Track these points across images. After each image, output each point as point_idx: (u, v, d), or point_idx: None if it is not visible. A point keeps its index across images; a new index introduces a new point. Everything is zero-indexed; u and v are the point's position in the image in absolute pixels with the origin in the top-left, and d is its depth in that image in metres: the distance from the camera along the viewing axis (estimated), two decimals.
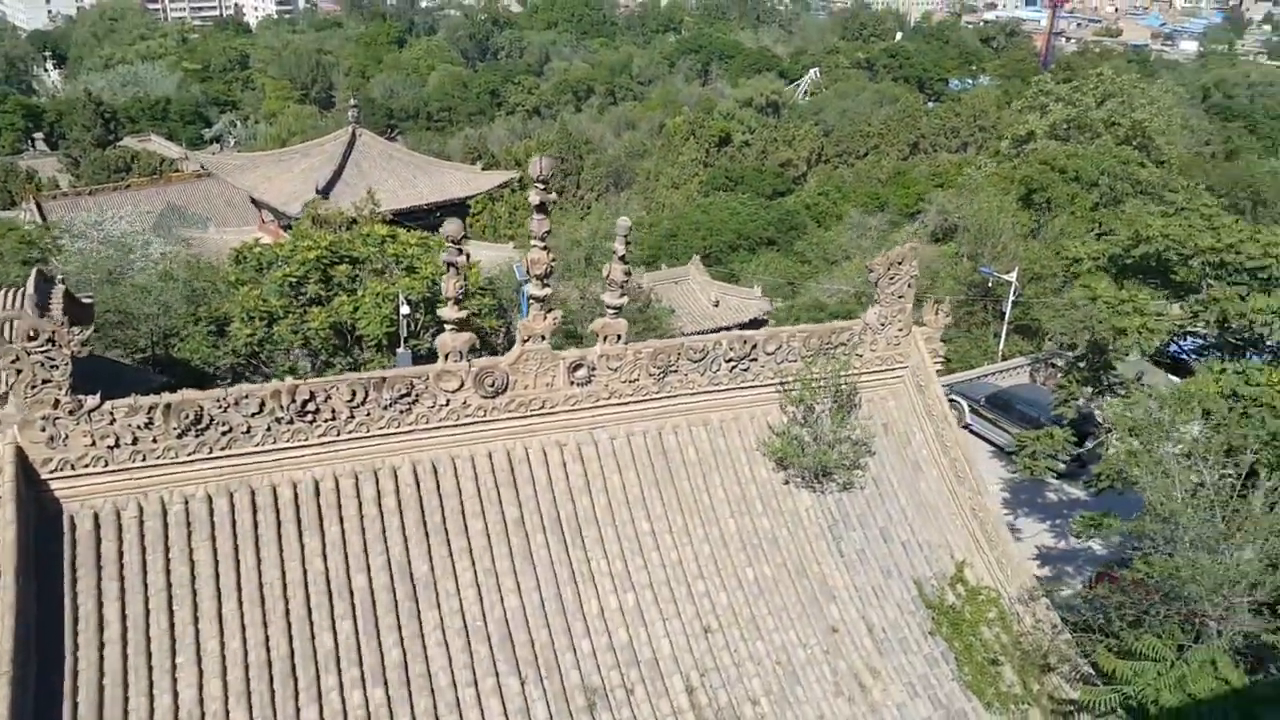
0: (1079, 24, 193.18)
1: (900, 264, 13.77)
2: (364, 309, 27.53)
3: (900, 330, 14.17)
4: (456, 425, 12.34)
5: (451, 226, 11.76)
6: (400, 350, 27.31)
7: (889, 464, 14.07)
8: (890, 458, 14.12)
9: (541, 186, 11.54)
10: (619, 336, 12.74)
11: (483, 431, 12.51)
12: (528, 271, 12.19)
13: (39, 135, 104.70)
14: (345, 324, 27.66)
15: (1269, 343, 14.09)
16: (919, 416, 14.30)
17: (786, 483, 13.46)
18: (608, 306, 12.63)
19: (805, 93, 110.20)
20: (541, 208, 11.68)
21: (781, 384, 13.60)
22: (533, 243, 11.84)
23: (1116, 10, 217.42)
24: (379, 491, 12.00)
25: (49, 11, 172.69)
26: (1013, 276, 34.37)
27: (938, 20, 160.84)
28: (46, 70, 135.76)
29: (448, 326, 12.25)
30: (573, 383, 12.66)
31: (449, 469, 12.35)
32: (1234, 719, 9.09)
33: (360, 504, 11.85)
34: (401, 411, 12.03)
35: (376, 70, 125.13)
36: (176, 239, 45.91)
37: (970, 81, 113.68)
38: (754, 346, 13.43)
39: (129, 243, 35.06)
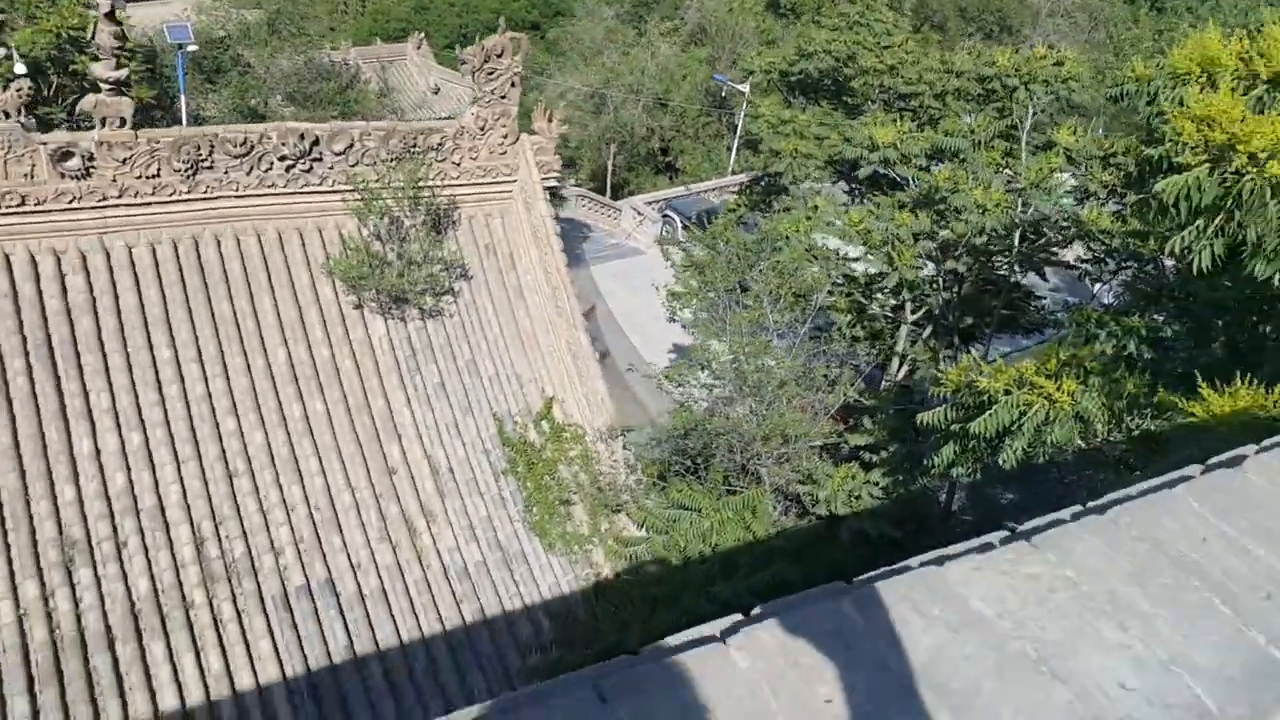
0: None
1: (500, 55, 11.78)
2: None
3: (505, 137, 12.36)
4: None
5: None
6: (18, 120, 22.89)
7: (488, 289, 12.61)
8: (490, 282, 12.65)
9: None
10: (122, 120, 10.17)
11: None
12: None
13: None
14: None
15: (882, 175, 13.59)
16: (525, 237, 12.79)
17: (359, 307, 11.73)
18: (100, 80, 9.96)
19: None
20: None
21: (356, 191, 11.58)
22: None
23: None
24: None
25: None
26: (745, 87, 33.11)
27: None
28: None
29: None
30: (62, 175, 10.09)
31: None
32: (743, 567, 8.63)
33: None
34: None
35: None
36: None
37: None
38: (315, 143, 11.24)
39: None
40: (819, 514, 10.17)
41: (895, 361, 16.94)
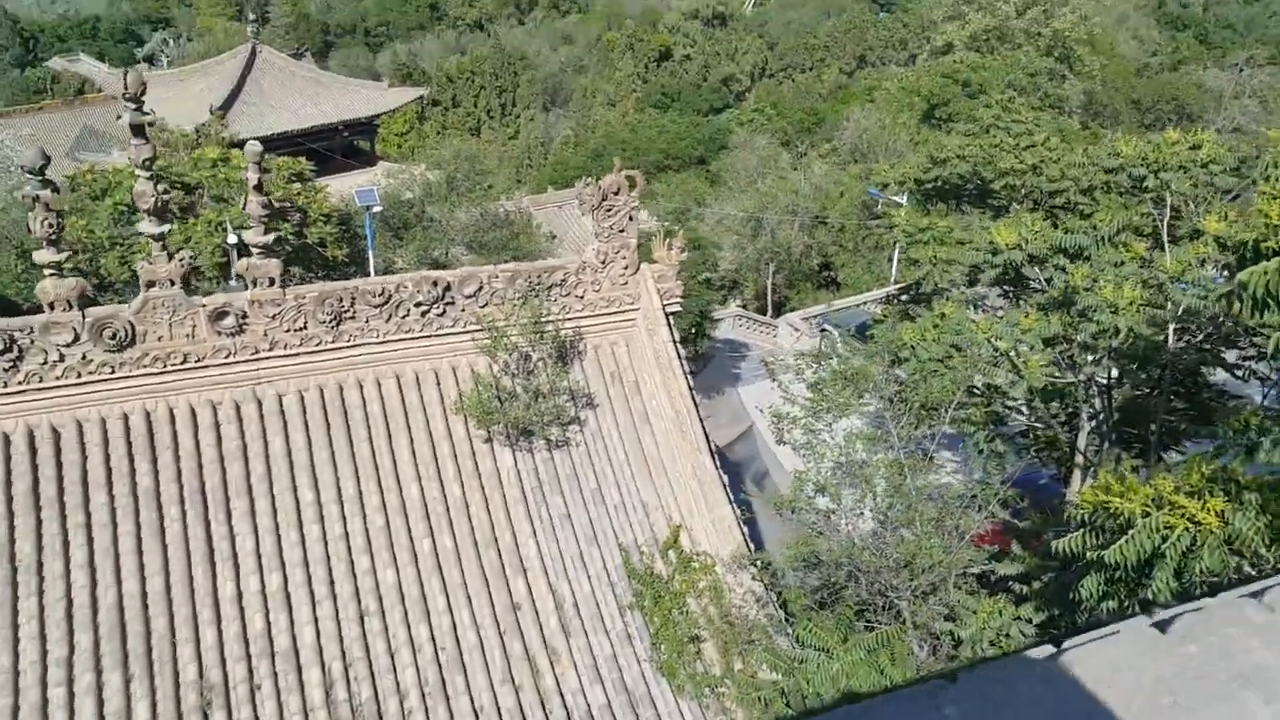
0: None
1: (616, 193, 12.11)
2: (195, 239, 25.71)
3: (626, 268, 12.58)
4: (79, 384, 10.75)
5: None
6: (231, 282, 25.73)
7: (613, 416, 12.63)
8: (616, 409, 12.67)
9: (133, 106, 9.75)
10: (272, 280, 11.08)
11: (112, 390, 10.92)
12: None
13: None
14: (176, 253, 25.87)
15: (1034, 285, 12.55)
16: (649, 363, 12.80)
17: (488, 441, 12.00)
18: (252, 246, 10.94)
19: (754, 3, 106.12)
20: (138, 130, 9.90)
21: (488, 329, 12.03)
22: (137, 172, 10.10)
23: None
24: None
25: None
26: (903, 199, 32.64)
27: None
28: None
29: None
30: (219, 333, 11.05)
31: (73, 433, 10.79)
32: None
33: None
34: (6, 369, 10.43)
35: None
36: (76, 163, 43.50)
37: None
38: (447, 289, 11.83)
39: None
40: (965, 655, 9.19)
41: (1076, 475, 15.54)
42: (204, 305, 10.92)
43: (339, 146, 51.18)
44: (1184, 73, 55.61)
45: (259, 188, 10.40)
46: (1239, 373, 12.94)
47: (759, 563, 11.11)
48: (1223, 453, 7.55)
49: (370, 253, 29.09)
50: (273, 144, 45.43)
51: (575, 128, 78.50)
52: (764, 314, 37.31)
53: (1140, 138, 12.64)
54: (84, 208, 26.57)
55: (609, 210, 12.15)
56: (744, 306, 39.27)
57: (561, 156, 70.54)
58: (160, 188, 10.16)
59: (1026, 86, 37.78)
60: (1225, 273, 10.10)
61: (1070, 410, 15.12)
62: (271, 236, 10.81)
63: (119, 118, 9.68)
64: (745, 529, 11.88)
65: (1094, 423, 13.10)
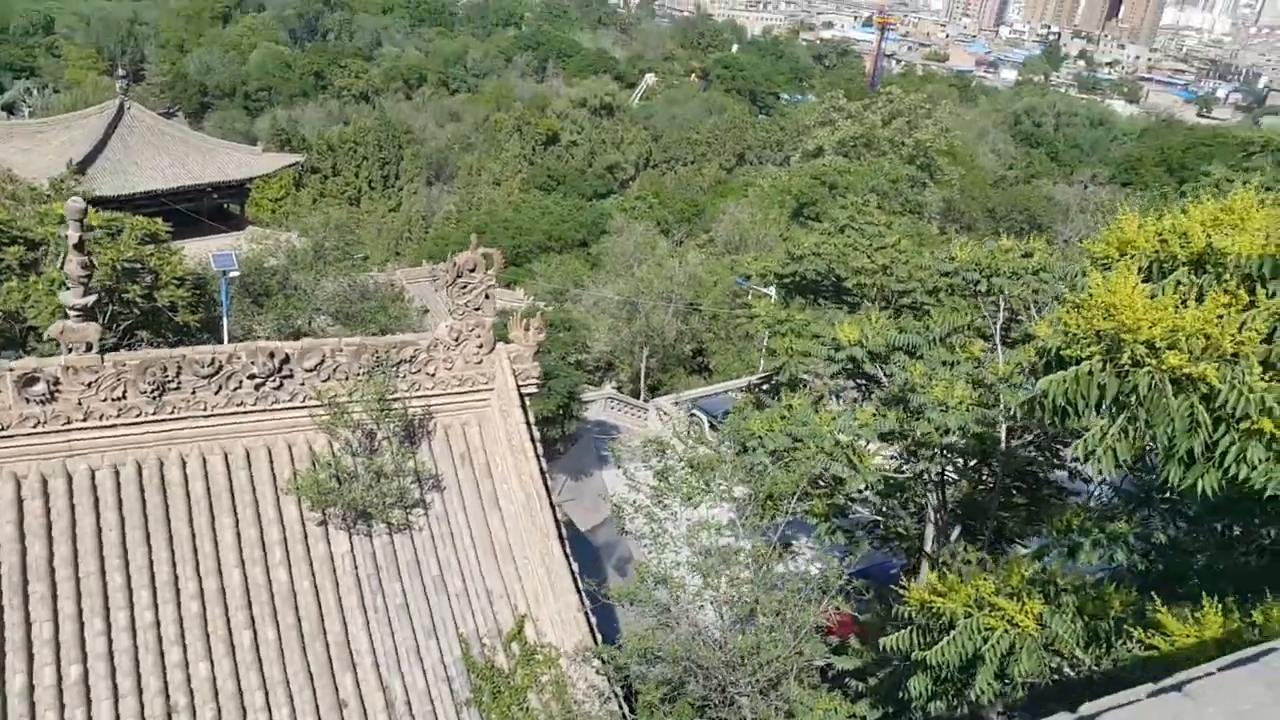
0: (910, 47, 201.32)
1: (472, 271, 11.92)
2: (35, 297, 24.05)
3: (480, 347, 12.33)
4: None
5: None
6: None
7: (461, 499, 12.19)
8: (464, 492, 12.25)
9: None
10: (89, 345, 10.34)
11: None
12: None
13: None
14: (15, 313, 24.15)
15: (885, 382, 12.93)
16: (502, 445, 12.48)
17: (323, 524, 11.36)
18: (69, 308, 10.21)
19: (640, 97, 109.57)
20: None
21: (328, 405, 11.49)
22: None
23: (947, 37, 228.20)
24: None
25: None
26: (771, 290, 33.62)
27: (775, 36, 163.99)
28: None
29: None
30: (29, 400, 10.18)
31: None
32: None
33: None
34: None
35: (196, 45, 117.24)
36: None
37: (800, 97, 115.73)
38: (285, 360, 11.29)
39: None
40: None
41: (925, 566, 15.85)
42: (11, 370, 10.06)
43: (206, 209, 49.45)
44: (1036, 186, 59.97)
45: (79, 246, 9.77)
46: (1069, 472, 13.64)
47: (604, 656, 10.76)
48: (1045, 553, 7.75)
49: (225, 319, 27.86)
50: (136, 203, 43.55)
51: (459, 204, 78.44)
52: (637, 397, 37.42)
53: (979, 244, 13.41)
54: None
55: (464, 287, 11.94)
56: (618, 389, 39.35)
57: (443, 231, 70.16)
58: None
59: (889, 191, 39.91)
60: (1032, 378, 10.60)
61: (920, 503, 15.49)
62: (90, 299, 10.12)
63: None
64: (593, 619, 11.54)
65: (936, 515, 13.45)
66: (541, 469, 12.19)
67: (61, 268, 10.22)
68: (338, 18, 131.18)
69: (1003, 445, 11.48)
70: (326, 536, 11.32)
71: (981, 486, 13.58)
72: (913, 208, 40.03)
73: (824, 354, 13.10)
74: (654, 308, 36.32)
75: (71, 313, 10.19)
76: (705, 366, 38.93)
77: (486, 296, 12.08)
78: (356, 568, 11.27)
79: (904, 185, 41.49)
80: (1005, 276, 12.05)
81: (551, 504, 12.01)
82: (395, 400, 11.61)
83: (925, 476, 12.69)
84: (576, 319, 36.70)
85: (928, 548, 15.62)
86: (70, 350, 10.26)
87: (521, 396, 12.46)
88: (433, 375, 12.18)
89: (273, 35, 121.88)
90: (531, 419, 12.55)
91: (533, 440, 12.27)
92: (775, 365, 16.11)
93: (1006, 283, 12.03)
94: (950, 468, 12.47)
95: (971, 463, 12.66)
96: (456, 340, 12.15)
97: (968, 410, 10.24)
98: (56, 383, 10.27)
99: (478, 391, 12.57)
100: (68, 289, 10.07)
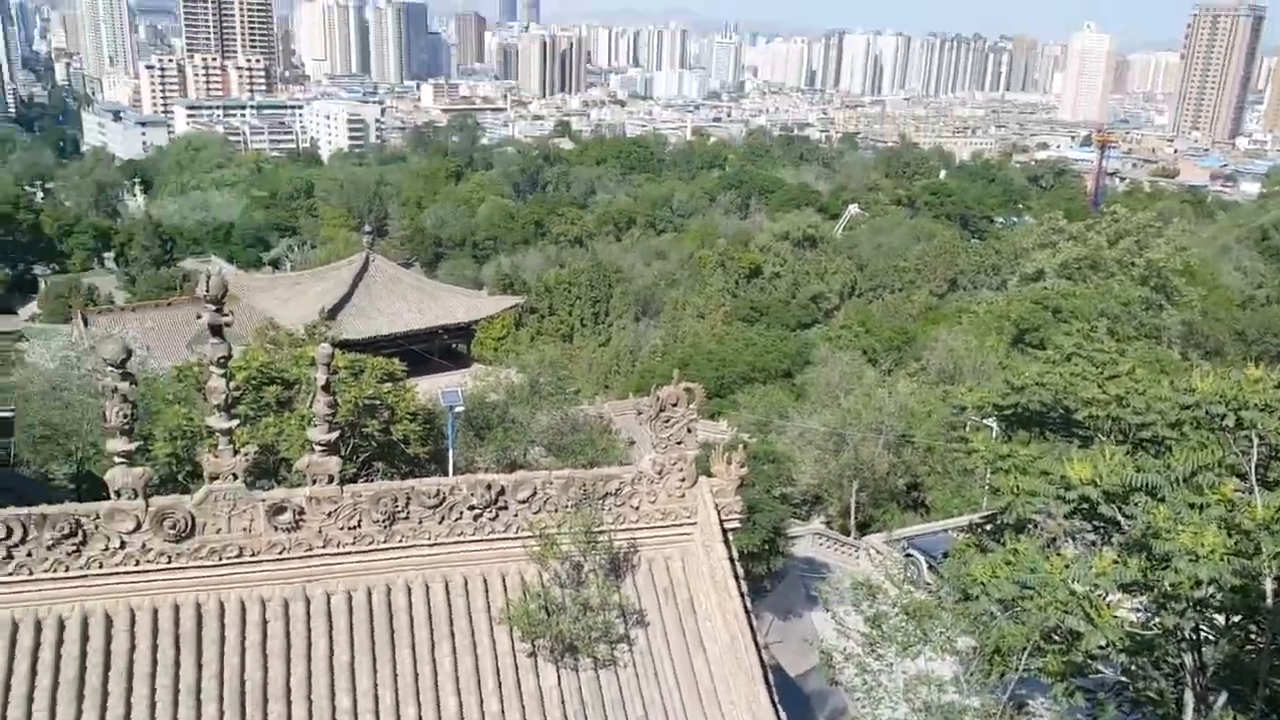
0: (1134, 164, 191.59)
1: (674, 405, 12.14)
2: (288, 431, 26.71)
3: (683, 480, 12.40)
4: (137, 571, 10.91)
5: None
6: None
7: (664, 637, 12.06)
8: (668, 629, 12.12)
9: (213, 308, 10.37)
10: (331, 477, 11.27)
11: (168, 580, 11.03)
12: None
13: (109, 255, 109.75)
14: (271, 446, 26.86)
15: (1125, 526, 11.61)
16: (705, 581, 12.34)
17: (533, 655, 11.55)
18: (314, 444, 11.22)
19: (844, 228, 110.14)
20: (216, 330, 10.48)
21: (539, 536, 11.86)
22: (211, 369, 10.62)
23: (1175, 152, 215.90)
24: (37, 644, 10.54)
25: (143, 142, 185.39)
26: (992, 422, 31.95)
27: (985, 160, 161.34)
28: (134, 195, 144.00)
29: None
30: (276, 528, 11.17)
31: (125, 621, 10.83)
32: None
33: (12, 659, 10.39)
34: (69, 553, 10.68)
35: (432, 201, 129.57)
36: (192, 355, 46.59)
37: (1015, 220, 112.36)
38: (501, 492, 11.82)
39: (75, 358, 35.12)
40: None
41: None
42: (263, 500, 11.11)
43: (436, 349, 53.53)
44: None
45: (326, 387, 10.78)
46: None
47: None
48: None
49: (451, 451, 29.65)
50: (377, 345, 47.84)
51: (664, 338, 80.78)
52: (847, 533, 36.14)
53: (1226, 372, 12.13)
54: (188, 397, 28.00)
55: (667, 421, 12.15)
56: (827, 524, 38.19)
57: (649, 365, 72.22)
58: (231, 384, 10.61)
59: (1120, 315, 37.46)
60: None
61: (1174, 663, 13.81)
62: (334, 434, 11.08)
63: (198, 317, 10.28)
64: None
65: (1193, 679, 11.88)
66: (746, 607, 11.92)
67: (310, 406, 11.29)
68: (556, 171, 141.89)
69: (1269, 601, 10.05)
70: (535, 668, 11.48)
71: (1249, 647, 11.92)
72: (1148, 332, 37.30)
73: (1053, 493, 12.18)
74: (863, 439, 35.37)
75: (317, 448, 11.19)
76: (921, 502, 37.19)
77: (689, 430, 12.23)
78: (564, 703, 11.31)
79: (1137, 308, 38.85)
80: (1257, 410, 10.80)
81: (757, 645, 11.66)
82: (601, 533, 11.81)
83: (1177, 634, 11.31)
84: (781, 451, 36.32)
85: (1187, 717, 13.79)
86: (314, 481, 11.22)
87: (724, 531, 12.36)
88: (636, 508, 12.35)
89: (499, 190, 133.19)
90: (735, 554, 12.39)
91: (736, 577, 12.07)
92: (999, 504, 15.14)
93: (1260, 417, 10.78)
94: (1206, 624, 11.06)
95: (1233, 619, 11.16)
96: (660, 474, 12.30)
97: (1222, 560, 9.09)
98: (301, 512, 11.22)
99: (680, 525, 12.58)
100: (315, 426, 11.08)
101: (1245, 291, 71.07)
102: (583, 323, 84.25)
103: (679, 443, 12.24)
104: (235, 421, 10.87)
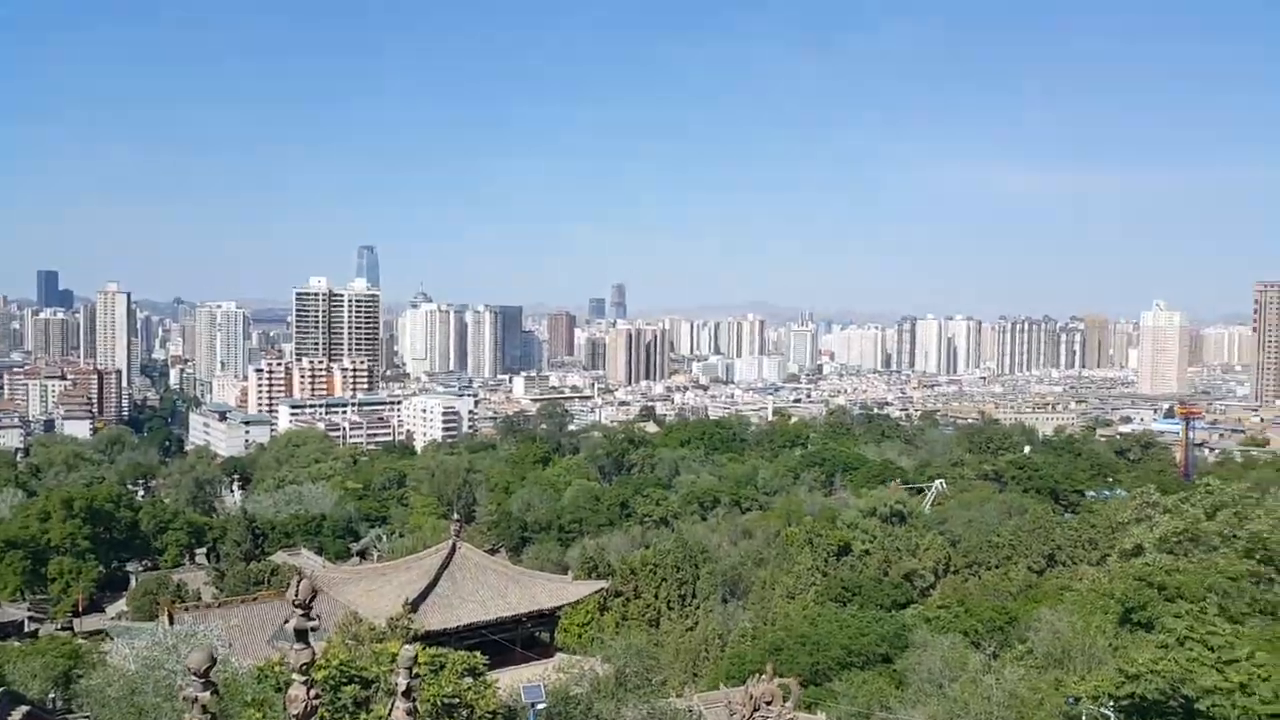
0: (1221, 434, 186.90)
1: (769, 703, 11.85)
2: None
3: None
4: None
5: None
6: None
7: None
8: None
9: (300, 612, 10.77)
10: None
11: None
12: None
13: (202, 550, 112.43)
14: None
15: None
16: None
17: None
18: None
19: (931, 503, 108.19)
20: (301, 635, 10.79)
21: None
22: (294, 675, 10.83)
23: (1261, 420, 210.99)
24: None
25: (246, 439, 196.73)
26: (1109, 710, 29.50)
27: (1069, 434, 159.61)
28: (231, 491, 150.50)
29: None
30: None
31: None
32: None
33: None
34: None
35: (519, 486, 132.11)
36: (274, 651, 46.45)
37: (1108, 493, 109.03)
38: None
39: (157, 658, 35.40)
40: None
41: None
42: None
43: (520, 637, 52.69)
44: None
45: (406, 693, 10.82)
46: None
47: None
48: None
49: None
50: (459, 635, 47.41)
51: (753, 619, 77.95)
52: None
53: None
54: (265, 699, 27.64)
55: None
56: None
57: (739, 650, 69.15)
58: (312, 693, 10.74)
59: (1230, 591, 35.26)
60: None
61: None
62: None
63: (286, 621, 10.65)
64: None
65: None
66: None
67: (389, 714, 11.32)
68: (641, 453, 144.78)
69: None
70: None
71: None
72: (1263, 608, 34.82)
73: None
74: None
75: None
76: None
77: None
78: None
79: (1246, 583, 36.56)
80: None
81: None
82: None
83: None
84: None
85: None
86: None
87: None
88: None
89: (584, 473, 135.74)
90: None
91: None
92: None
93: None
94: None
95: None
96: None
97: None
98: None
99: None
100: None
101: None
102: (669, 605, 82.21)
103: None
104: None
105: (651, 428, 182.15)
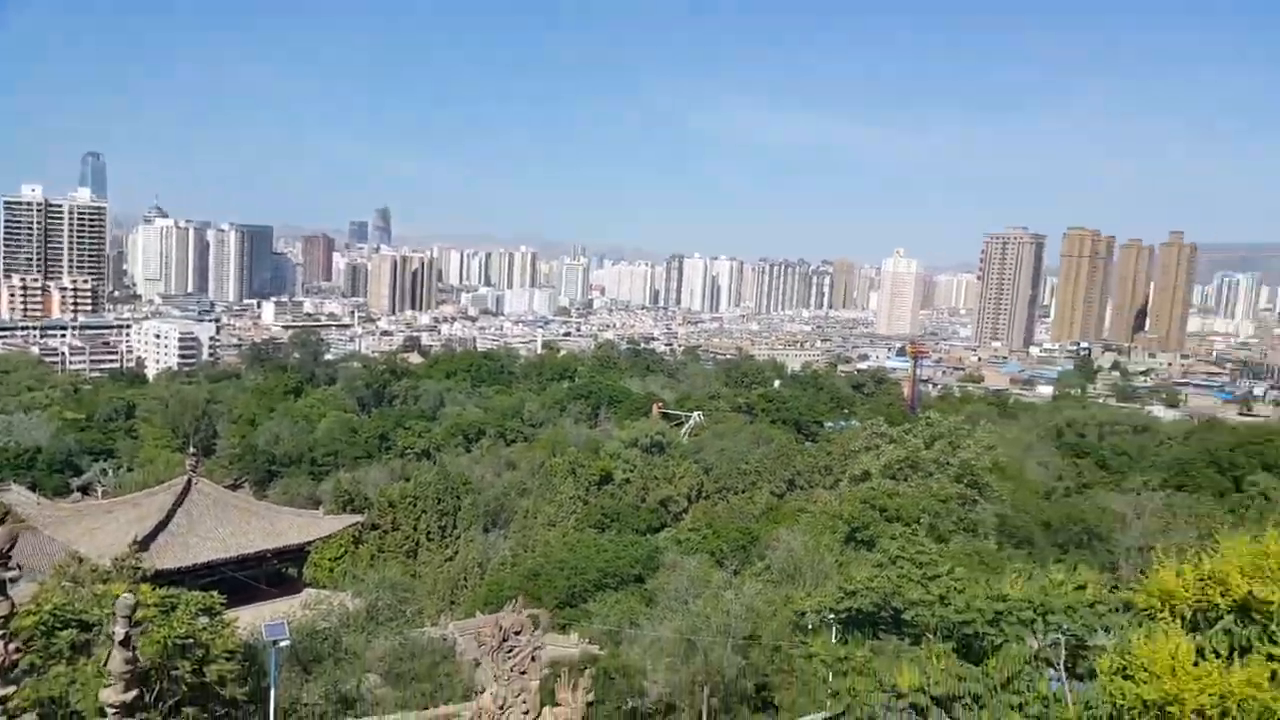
0: (944, 372, 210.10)
1: (518, 633, 11.85)
2: (82, 679, 23.95)
3: (526, 713, 11.91)
4: None
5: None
6: None
7: None
8: None
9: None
10: None
11: None
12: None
13: None
14: (60, 698, 23.93)
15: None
16: None
17: None
18: (108, 705, 10.18)
19: (688, 434, 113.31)
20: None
21: None
22: None
23: (979, 360, 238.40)
24: None
25: None
26: (830, 620, 32.42)
27: (814, 370, 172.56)
28: None
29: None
30: None
31: None
32: None
33: None
34: None
35: (267, 418, 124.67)
36: None
37: (844, 423, 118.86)
38: None
39: None
40: None
41: None
42: None
43: (265, 574, 50.31)
44: (1088, 495, 59.19)
45: (125, 642, 9.92)
46: None
47: None
48: None
49: (273, 691, 27.31)
50: (196, 573, 44.53)
51: (514, 548, 78.77)
52: None
53: (1034, 571, 13.03)
54: None
55: (510, 651, 11.79)
56: None
57: (498, 577, 69.81)
58: (12, 646, 9.57)
59: (940, 511, 39.65)
60: None
61: None
62: (131, 694, 10.08)
63: None
64: None
65: None
66: None
67: (106, 664, 10.37)
68: (404, 385, 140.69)
69: None
70: None
71: None
72: (967, 526, 39.52)
73: (881, 699, 12.40)
74: (713, 644, 35.00)
75: (110, 710, 10.16)
76: (770, 703, 36.67)
77: (533, 659, 11.89)
78: None
79: (954, 504, 41.27)
80: (1061, 612, 11.71)
81: None
82: None
83: None
84: (632, 663, 35.34)
85: None
86: None
87: None
88: None
89: (341, 405, 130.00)
90: None
91: None
92: (839, 707, 15.17)
93: (1063, 618, 11.66)
94: None
95: None
96: (501, 709, 11.79)
97: None
98: None
99: None
100: (109, 685, 10.12)
101: (1048, 484, 77.25)
102: (429, 537, 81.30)
103: (523, 673, 11.84)
104: (11, 689, 9.74)
105: (416, 359, 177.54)
